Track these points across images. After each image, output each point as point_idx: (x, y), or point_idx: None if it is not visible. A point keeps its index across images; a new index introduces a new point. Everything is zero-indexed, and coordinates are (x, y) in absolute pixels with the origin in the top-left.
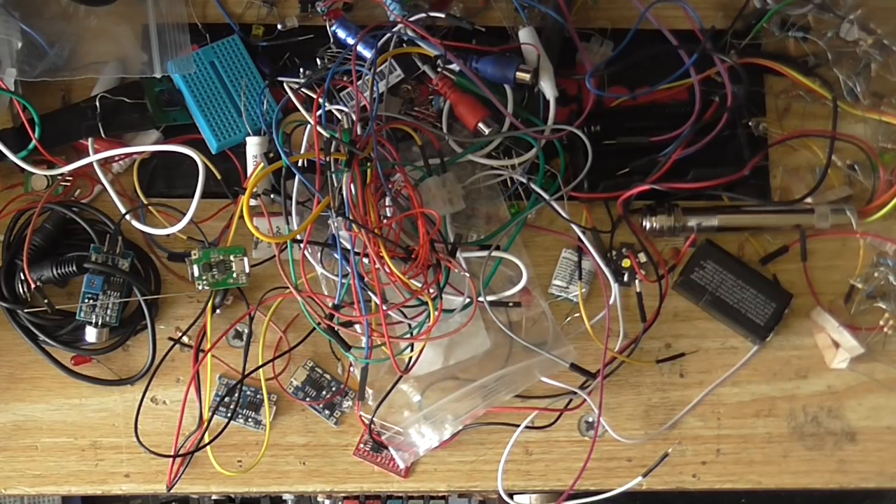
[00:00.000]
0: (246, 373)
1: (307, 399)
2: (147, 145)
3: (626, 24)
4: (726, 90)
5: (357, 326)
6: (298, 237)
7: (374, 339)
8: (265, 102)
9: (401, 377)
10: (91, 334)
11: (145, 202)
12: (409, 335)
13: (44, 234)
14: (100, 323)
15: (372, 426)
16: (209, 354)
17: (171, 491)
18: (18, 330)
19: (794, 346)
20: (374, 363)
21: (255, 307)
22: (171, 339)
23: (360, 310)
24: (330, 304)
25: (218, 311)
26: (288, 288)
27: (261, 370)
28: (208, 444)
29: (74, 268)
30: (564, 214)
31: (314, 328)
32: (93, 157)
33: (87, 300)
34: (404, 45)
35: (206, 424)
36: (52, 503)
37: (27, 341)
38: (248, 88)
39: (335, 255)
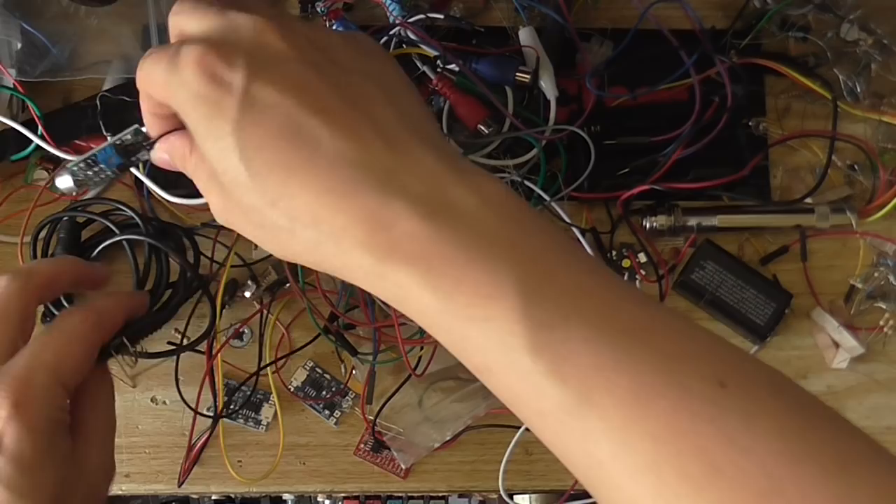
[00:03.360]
0: (251, 374)
1: (307, 399)
2: None
3: (626, 24)
4: (726, 90)
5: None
6: None
7: (381, 342)
8: None
9: (409, 377)
10: None
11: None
12: (418, 336)
13: (63, 245)
14: None
15: (374, 427)
16: (219, 357)
17: (181, 488)
18: None
19: (794, 346)
20: (382, 364)
21: (265, 307)
22: (178, 345)
23: (368, 316)
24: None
25: (226, 307)
26: (295, 287)
27: (269, 374)
28: (226, 414)
29: None
30: (564, 216)
31: (320, 332)
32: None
33: None
34: (404, 45)
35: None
36: None
37: None
38: None
39: None
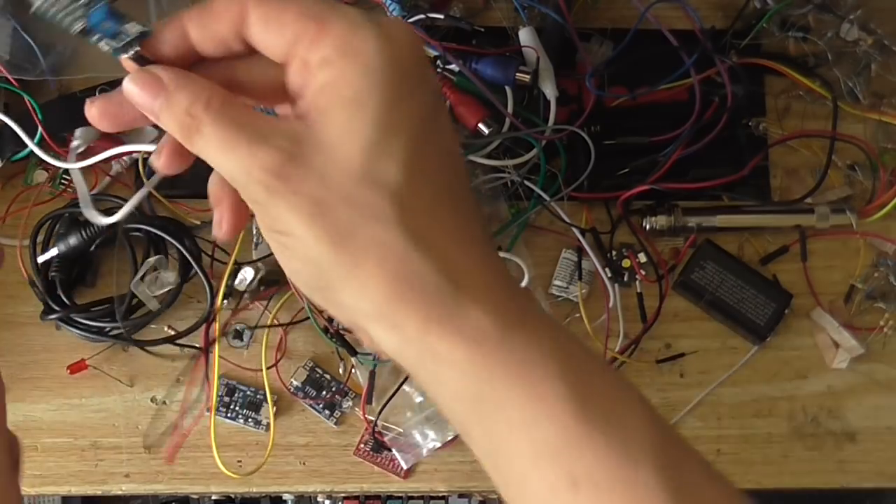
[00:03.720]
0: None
1: (307, 399)
2: (146, 143)
3: (626, 24)
4: (726, 90)
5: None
6: None
7: None
8: None
9: (409, 377)
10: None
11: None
12: None
13: (63, 240)
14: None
15: (375, 427)
16: (216, 351)
17: (170, 487)
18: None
19: (794, 346)
20: (383, 364)
21: (265, 305)
22: (185, 345)
23: None
24: None
25: (226, 301)
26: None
27: (264, 371)
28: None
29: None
30: (564, 217)
31: (309, 316)
32: (109, 152)
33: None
34: None
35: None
36: (53, 503)
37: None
38: None
39: None
